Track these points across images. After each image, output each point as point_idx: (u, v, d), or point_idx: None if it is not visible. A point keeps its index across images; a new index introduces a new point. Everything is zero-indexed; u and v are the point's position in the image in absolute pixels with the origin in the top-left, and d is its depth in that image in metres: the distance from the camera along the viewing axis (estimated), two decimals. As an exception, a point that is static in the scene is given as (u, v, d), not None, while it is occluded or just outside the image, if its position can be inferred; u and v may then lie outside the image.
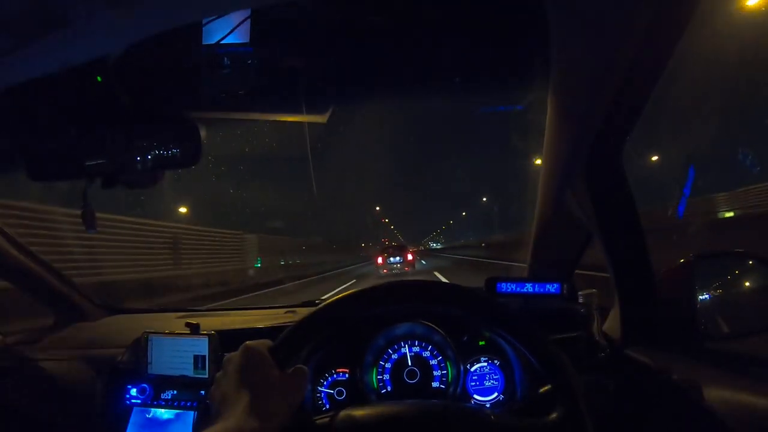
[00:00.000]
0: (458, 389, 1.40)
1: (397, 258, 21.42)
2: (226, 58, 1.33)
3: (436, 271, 20.11)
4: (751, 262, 1.22)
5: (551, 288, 1.48)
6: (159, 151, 1.12)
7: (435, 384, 1.44)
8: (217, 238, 19.40)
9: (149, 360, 1.48)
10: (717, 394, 0.98)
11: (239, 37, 1.27)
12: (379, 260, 21.69)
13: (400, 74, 1.53)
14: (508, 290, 1.50)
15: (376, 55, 1.44)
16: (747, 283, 1.23)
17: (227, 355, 0.90)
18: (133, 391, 1.49)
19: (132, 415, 1.48)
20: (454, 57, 1.46)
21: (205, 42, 1.28)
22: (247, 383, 0.83)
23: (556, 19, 1.04)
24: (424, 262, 31.66)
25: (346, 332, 1.44)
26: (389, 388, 1.45)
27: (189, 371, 1.43)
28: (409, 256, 21.68)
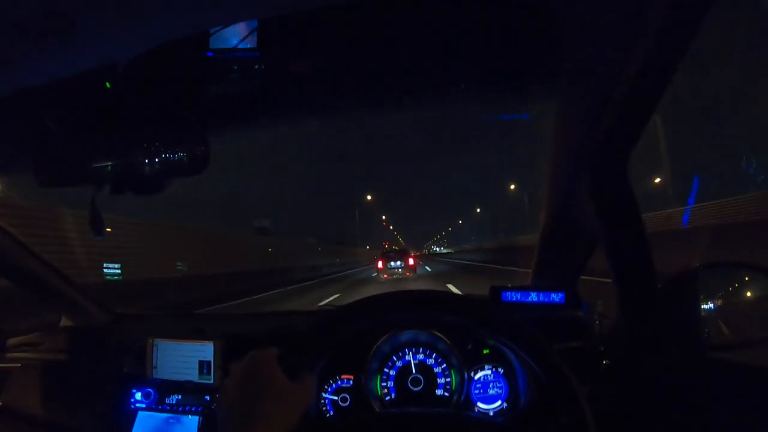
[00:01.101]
0: (462, 397, 1.40)
1: (398, 263, 20.88)
2: (234, 64, 1.34)
3: (438, 276, 19.93)
4: (747, 276, 1.23)
5: (555, 297, 1.48)
6: (167, 157, 1.12)
7: (439, 392, 1.44)
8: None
9: (154, 364, 1.48)
10: (720, 404, 0.98)
11: (247, 43, 1.28)
12: (380, 264, 21.20)
13: (407, 80, 1.53)
14: (513, 299, 1.50)
15: (382, 60, 1.45)
16: (750, 294, 1.23)
17: (234, 364, 0.91)
18: (138, 396, 1.49)
19: (136, 419, 1.48)
20: (461, 64, 1.46)
21: (212, 47, 1.29)
22: (253, 391, 0.83)
23: (563, 27, 1.05)
24: (428, 268, 31.27)
25: (351, 339, 1.45)
26: (393, 395, 1.45)
27: (194, 376, 1.44)
28: (411, 261, 21.21)
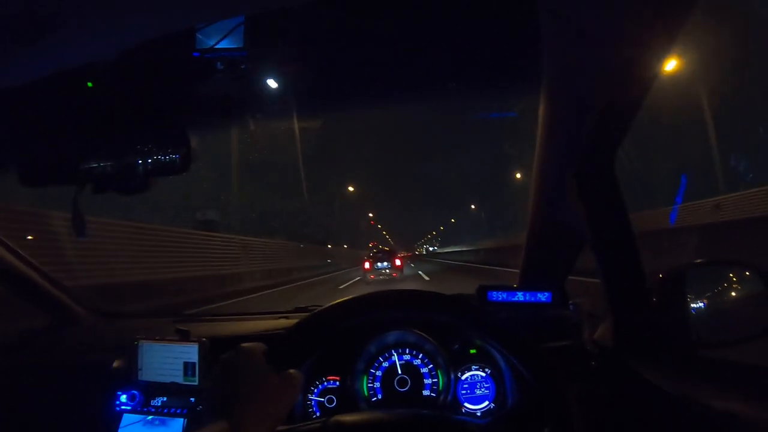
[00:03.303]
0: (449, 397, 1.40)
1: (385, 263, 21.06)
2: (219, 63, 1.33)
3: (427, 276, 19.99)
4: (736, 274, 1.23)
5: (542, 296, 1.48)
6: (150, 157, 1.11)
7: (425, 392, 1.43)
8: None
9: (139, 366, 1.47)
10: (709, 403, 0.98)
11: (232, 42, 1.27)
12: (366, 265, 21.25)
13: (394, 80, 1.53)
14: (500, 299, 1.50)
15: (370, 61, 1.44)
16: (739, 292, 1.23)
17: (222, 356, 0.90)
18: (123, 398, 1.48)
19: (121, 421, 1.47)
20: (448, 64, 1.46)
21: (198, 47, 1.27)
22: (240, 386, 0.83)
23: (548, 26, 1.05)
24: (413, 265, 31.12)
25: (337, 339, 1.44)
26: (380, 396, 1.44)
27: (179, 378, 1.42)
28: (398, 262, 21.36)
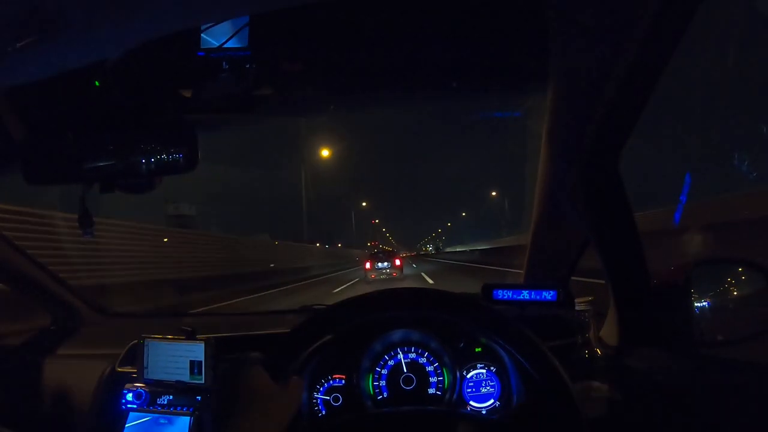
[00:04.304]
0: (454, 396, 1.40)
1: (386, 263, 21.65)
2: (224, 63, 1.33)
3: (428, 276, 20.15)
4: (739, 273, 1.23)
5: (548, 295, 1.48)
6: (156, 156, 1.12)
7: (431, 390, 1.44)
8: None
9: (145, 364, 1.47)
10: (713, 401, 0.98)
11: (237, 41, 1.27)
12: (367, 265, 21.88)
13: (398, 78, 1.53)
14: (505, 297, 1.49)
15: (374, 60, 1.44)
16: (742, 290, 1.23)
17: (219, 369, 0.90)
18: (129, 396, 1.48)
19: (128, 420, 1.47)
20: (452, 62, 1.46)
21: (203, 47, 1.28)
22: (240, 397, 0.83)
23: (554, 24, 1.05)
24: (414, 266, 31.41)
25: (343, 338, 1.44)
26: (385, 395, 1.44)
27: (185, 376, 1.42)
28: (397, 262, 21.92)
